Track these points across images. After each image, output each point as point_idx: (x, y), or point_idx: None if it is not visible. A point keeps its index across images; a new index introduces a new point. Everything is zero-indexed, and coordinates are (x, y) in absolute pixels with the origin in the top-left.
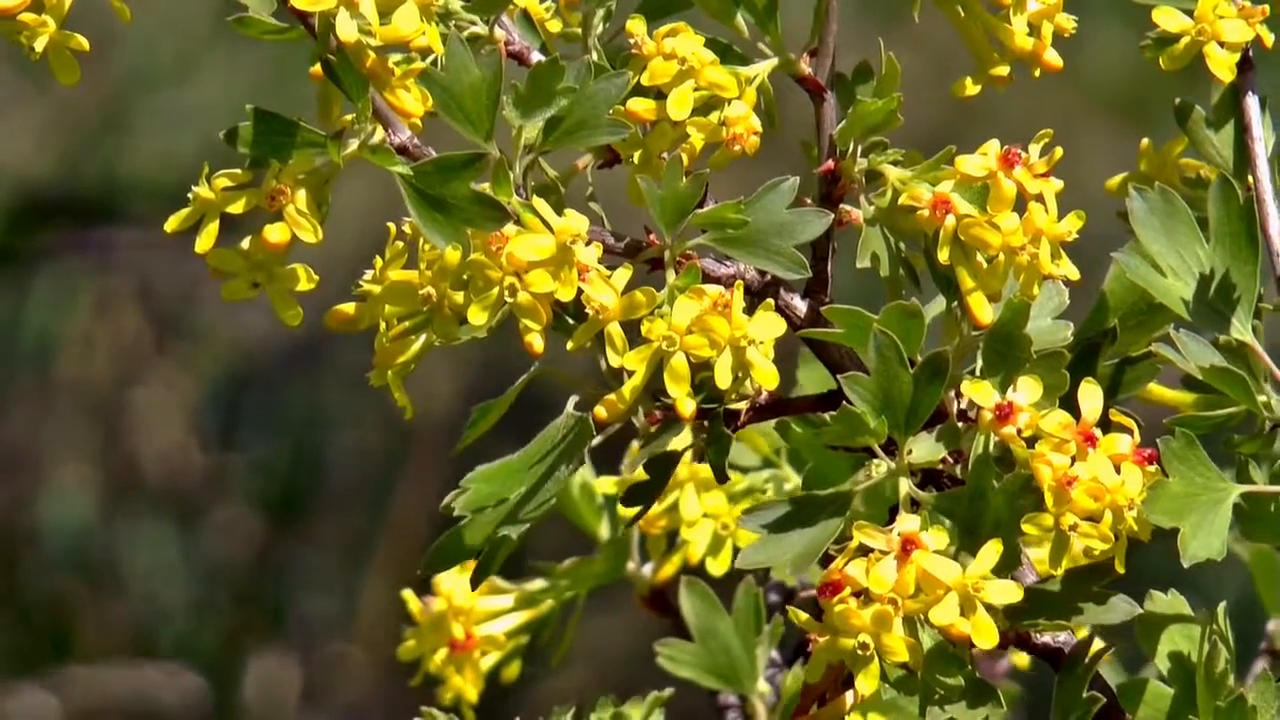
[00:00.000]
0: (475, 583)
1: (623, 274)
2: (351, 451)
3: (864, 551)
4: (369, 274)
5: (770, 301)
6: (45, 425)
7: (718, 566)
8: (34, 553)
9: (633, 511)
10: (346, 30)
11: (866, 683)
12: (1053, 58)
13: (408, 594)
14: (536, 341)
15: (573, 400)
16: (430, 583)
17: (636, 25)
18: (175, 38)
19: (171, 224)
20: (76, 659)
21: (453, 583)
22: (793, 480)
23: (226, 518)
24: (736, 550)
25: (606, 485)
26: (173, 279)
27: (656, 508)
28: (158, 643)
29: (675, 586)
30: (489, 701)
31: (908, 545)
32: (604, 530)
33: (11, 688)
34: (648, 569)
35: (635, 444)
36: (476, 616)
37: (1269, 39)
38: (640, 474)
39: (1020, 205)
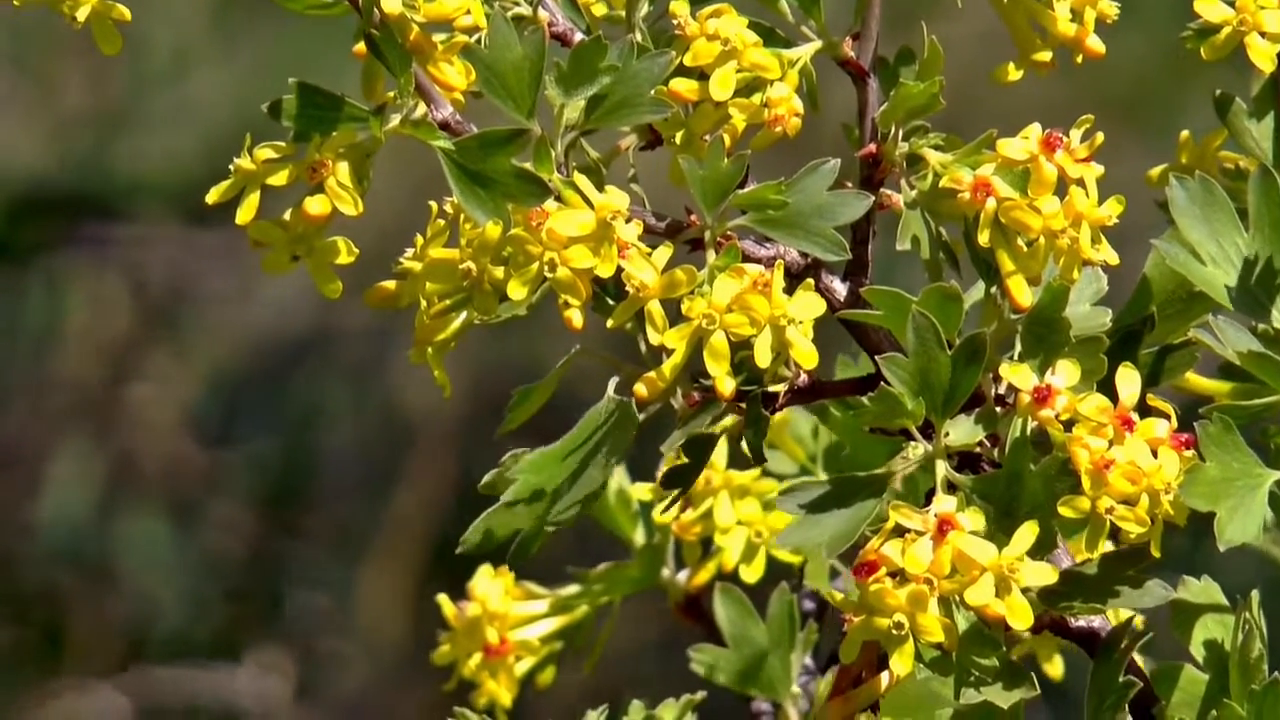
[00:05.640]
0: (513, 564)
1: (663, 252)
2: (349, 448)
3: (900, 532)
4: (410, 251)
5: (810, 281)
6: (40, 420)
7: (751, 573)
8: (28, 548)
9: (669, 517)
10: (391, 3)
11: (901, 663)
12: (1095, 44)
13: (443, 598)
14: (576, 317)
15: (613, 382)
16: (464, 587)
17: (680, 6)
18: (172, 34)
19: (213, 195)
20: (71, 654)
21: (487, 587)
22: None
23: (223, 513)
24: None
25: (642, 491)
26: (169, 274)
27: (691, 514)
28: (153, 638)
29: (709, 593)
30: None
31: (944, 526)
32: (639, 536)
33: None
34: (682, 576)
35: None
36: (511, 621)
37: None
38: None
39: (1061, 190)
